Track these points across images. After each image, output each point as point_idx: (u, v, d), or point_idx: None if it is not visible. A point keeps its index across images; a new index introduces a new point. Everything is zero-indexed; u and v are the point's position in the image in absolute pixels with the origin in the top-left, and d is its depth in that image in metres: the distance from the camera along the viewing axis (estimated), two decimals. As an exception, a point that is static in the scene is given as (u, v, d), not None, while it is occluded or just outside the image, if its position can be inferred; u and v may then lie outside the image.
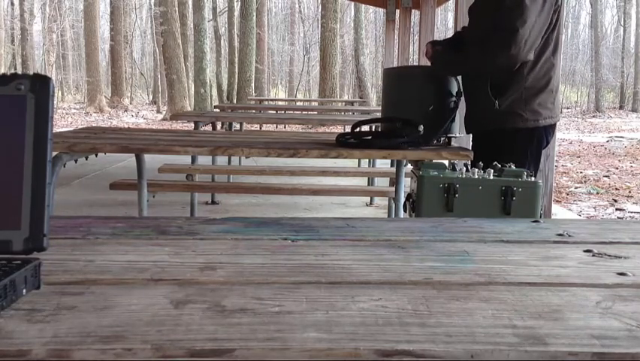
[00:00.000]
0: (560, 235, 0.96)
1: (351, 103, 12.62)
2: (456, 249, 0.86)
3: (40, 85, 0.69)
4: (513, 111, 2.35)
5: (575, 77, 32.77)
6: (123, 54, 23.71)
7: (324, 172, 4.45)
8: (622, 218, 5.30)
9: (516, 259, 0.82)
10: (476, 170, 2.14)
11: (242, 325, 0.56)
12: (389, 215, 4.16)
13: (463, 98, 2.57)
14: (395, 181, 2.86)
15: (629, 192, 6.65)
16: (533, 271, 0.76)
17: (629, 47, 30.03)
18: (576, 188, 6.87)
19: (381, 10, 11.95)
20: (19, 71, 18.92)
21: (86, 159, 3.15)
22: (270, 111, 8.41)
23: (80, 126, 11.46)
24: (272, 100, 14.83)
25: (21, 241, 0.67)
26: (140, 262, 0.77)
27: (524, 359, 0.52)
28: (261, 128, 10.26)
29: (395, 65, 8.12)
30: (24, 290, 0.62)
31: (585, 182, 7.34)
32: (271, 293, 0.65)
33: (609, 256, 0.84)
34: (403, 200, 2.48)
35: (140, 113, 21.52)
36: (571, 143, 12.73)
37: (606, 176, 7.85)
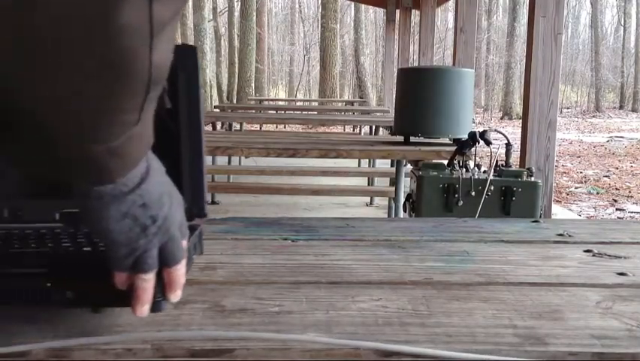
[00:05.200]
0: (560, 235, 0.96)
1: (351, 103, 12.61)
2: (456, 249, 0.86)
3: None
4: None
5: (575, 77, 32.72)
6: (123, 54, 23.69)
7: (324, 172, 4.44)
8: (622, 218, 5.30)
9: (516, 259, 0.82)
10: (476, 170, 2.15)
11: (242, 325, 0.56)
12: (389, 215, 4.15)
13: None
14: (395, 181, 2.86)
15: (629, 192, 6.65)
16: (533, 271, 0.76)
17: (629, 46, 29.99)
18: (576, 188, 6.87)
19: (381, 10, 11.95)
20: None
21: (86, 159, 3.14)
22: (270, 111, 8.41)
23: (80, 126, 11.41)
24: (272, 100, 14.80)
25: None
26: (140, 262, 0.76)
27: (524, 359, 0.52)
28: (261, 128, 10.25)
29: (395, 65, 8.13)
30: (194, 256, 0.64)
31: (585, 182, 7.34)
32: (271, 293, 0.65)
33: (609, 256, 0.84)
34: (402, 200, 2.48)
35: (140, 113, 21.47)
36: (571, 143, 12.72)
37: (606, 176, 7.85)
